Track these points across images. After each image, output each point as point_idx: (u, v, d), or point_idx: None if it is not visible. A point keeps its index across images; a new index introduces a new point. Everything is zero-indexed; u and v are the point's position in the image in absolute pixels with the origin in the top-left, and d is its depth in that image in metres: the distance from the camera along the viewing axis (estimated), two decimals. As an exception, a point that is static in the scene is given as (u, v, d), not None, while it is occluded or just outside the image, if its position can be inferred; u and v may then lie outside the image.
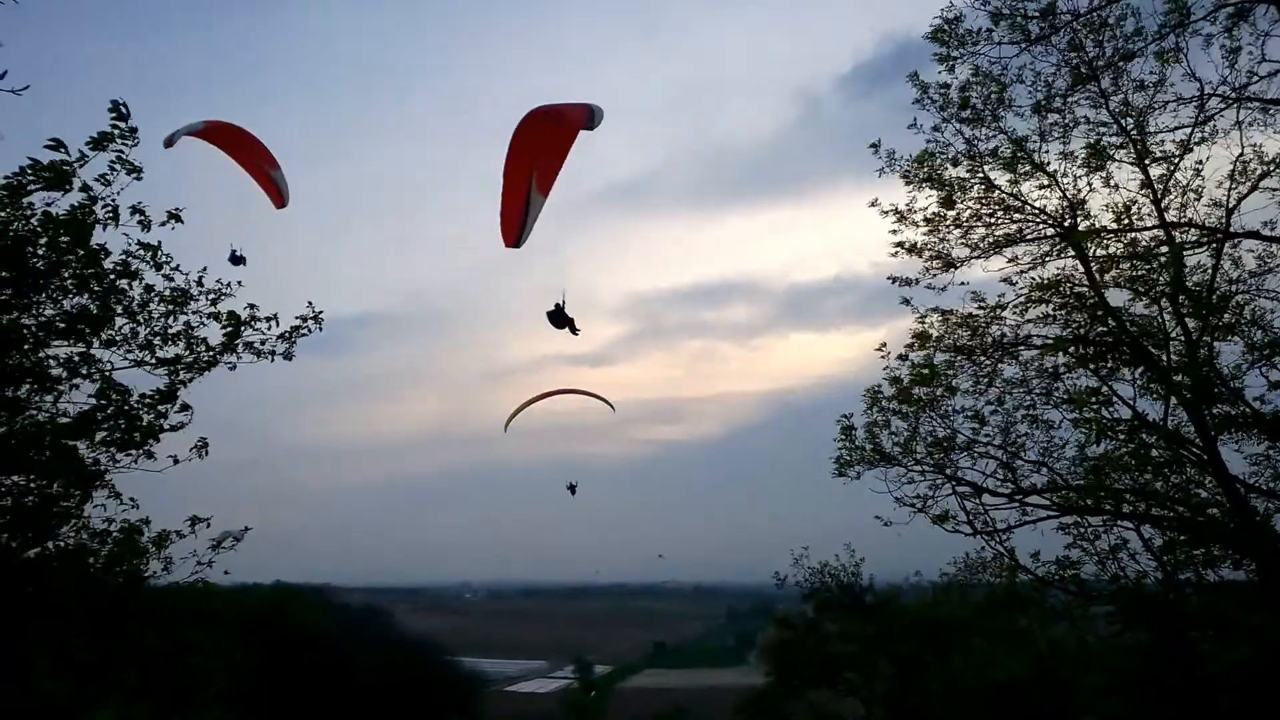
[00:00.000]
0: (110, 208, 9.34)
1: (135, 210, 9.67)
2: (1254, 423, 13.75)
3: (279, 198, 16.57)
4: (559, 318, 13.84)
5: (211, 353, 10.56)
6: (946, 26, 14.17)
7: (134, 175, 9.28)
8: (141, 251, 9.94)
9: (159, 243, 10.05)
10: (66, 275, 9.21)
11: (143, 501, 10.46)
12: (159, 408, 9.92)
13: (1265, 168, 13.98)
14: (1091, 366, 14.71)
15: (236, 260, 16.40)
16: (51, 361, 9.40)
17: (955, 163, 15.37)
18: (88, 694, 10.38)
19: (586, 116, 10.57)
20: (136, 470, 10.10)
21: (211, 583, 11.22)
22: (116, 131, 8.99)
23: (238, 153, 15.69)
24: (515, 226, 11.69)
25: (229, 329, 10.55)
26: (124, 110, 9.00)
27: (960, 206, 15.68)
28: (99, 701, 10.78)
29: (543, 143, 11.24)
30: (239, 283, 10.82)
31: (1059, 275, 15.30)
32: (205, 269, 10.62)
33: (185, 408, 10.23)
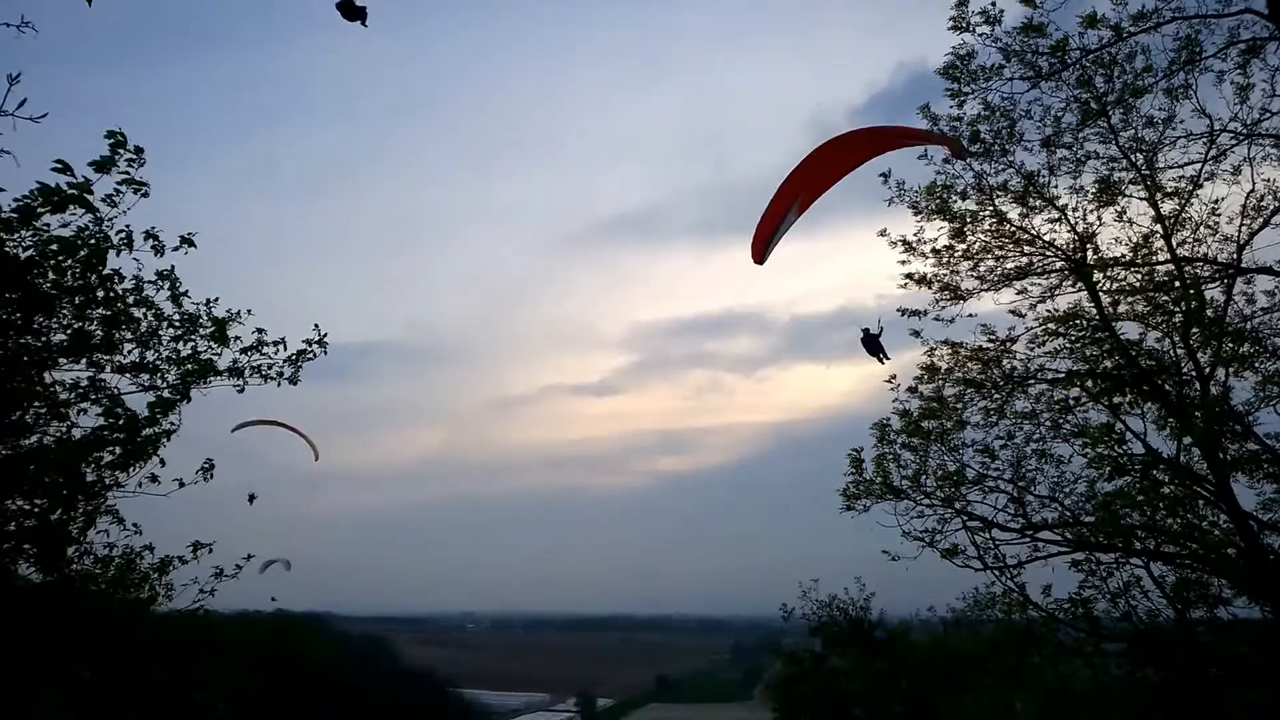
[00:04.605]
0: (124, 234, 9.37)
1: (149, 235, 9.71)
2: (1267, 461, 13.63)
3: None
4: (872, 344, 14.02)
5: (208, 363, 10.51)
6: (958, 62, 14.19)
7: (141, 193, 9.30)
8: (156, 279, 9.97)
9: (172, 267, 10.08)
10: (78, 300, 9.22)
11: (147, 529, 10.44)
12: (157, 416, 9.86)
13: (1278, 203, 13.97)
14: (1103, 402, 14.61)
15: (354, 12, 12.60)
16: (59, 386, 9.39)
17: (965, 196, 15.38)
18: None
19: (959, 146, 10.32)
20: (142, 494, 10.08)
21: (212, 611, 11.16)
22: (118, 156, 9.04)
23: None
24: (764, 242, 11.65)
25: (216, 334, 10.52)
26: (121, 137, 9.06)
27: (970, 239, 15.67)
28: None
29: (831, 161, 10.99)
30: (249, 311, 10.82)
31: (1073, 308, 15.24)
32: (217, 298, 10.62)
33: (173, 405, 10.12)
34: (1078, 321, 14.66)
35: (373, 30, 12.73)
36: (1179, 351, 14.45)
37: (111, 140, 9.00)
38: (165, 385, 10.19)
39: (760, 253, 11.68)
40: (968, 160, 14.01)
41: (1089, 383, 14.59)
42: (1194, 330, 13.79)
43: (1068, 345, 14.85)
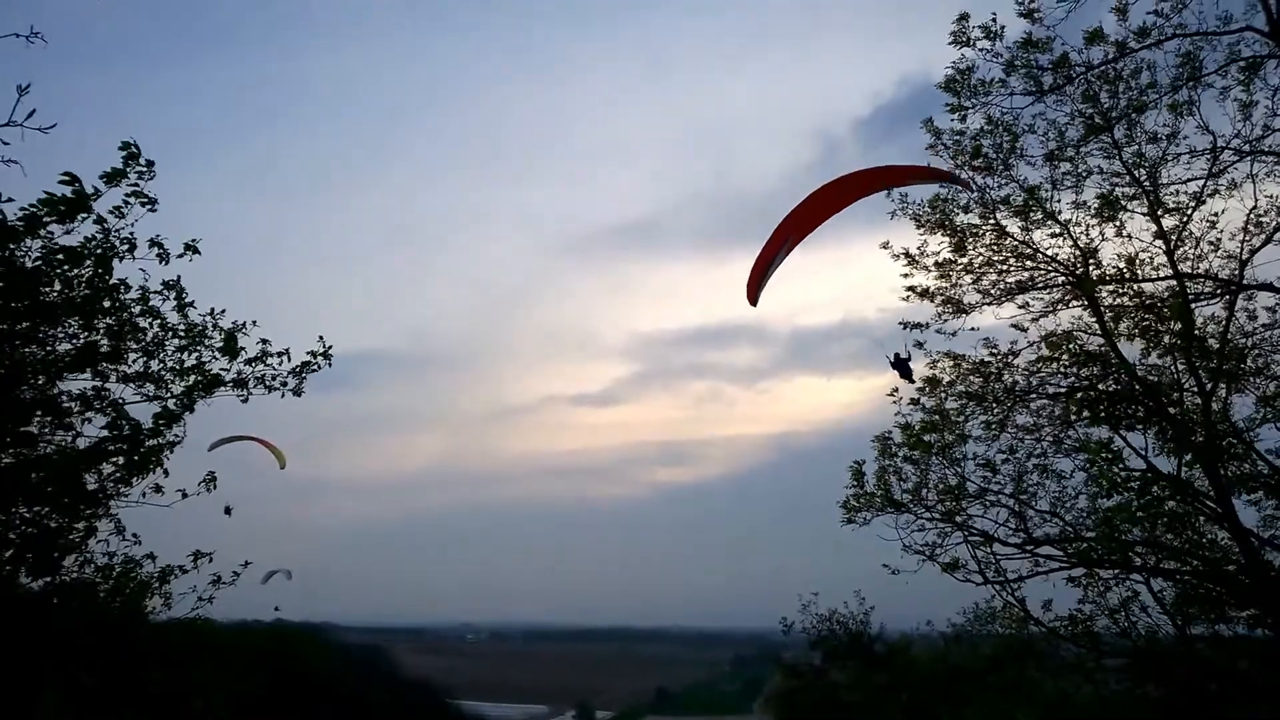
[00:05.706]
0: (127, 241, 9.39)
1: (154, 243, 9.73)
2: (1268, 480, 13.60)
3: None
4: (902, 367, 14.41)
5: (215, 377, 10.52)
6: (959, 77, 14.20)
7: (149, 207, 9.34)
8: (163, 289, 10.00)
9: (178, 276, 10.10)
10: (84, 309, 9.24)
11: (146, 537, 10.43)
12: (160, 427, 9.86)
13: (1280, 220, 13.97)
14: (1103, 419, 14.58)
15: None
16: (64, 396, 9.40)
17: (967, 209, 15.40)
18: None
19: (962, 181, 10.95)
20: (145, 505, 10.08)
21: (211, 619, 11.16)
22: (130, 168, 9.07)
23: None
24: (758, 281, 11.78)
25: (226, 347, 10.53)
26: (135, 149, 9.10)
27: (972, 253, 15.68)
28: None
29: (830, 200, 11.25)
30: (254, 322, 10.83)
31: (1070, 327, 15.23)
32: (224, 310, 10.64)
33: (177, 418, 10.13)
34: (1070, 346, 14.67)
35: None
36: (1179, 367, 14.46)
37: (125, 152, 9.04)
38: (170, 396, 10.21)
39: (753, 295, 11.79)
40: (972, 188, 14.11)
41: (1089, 406, 14.58)
42: (1194, 350, 13.79)
43: (1061, 370, 14.90)
